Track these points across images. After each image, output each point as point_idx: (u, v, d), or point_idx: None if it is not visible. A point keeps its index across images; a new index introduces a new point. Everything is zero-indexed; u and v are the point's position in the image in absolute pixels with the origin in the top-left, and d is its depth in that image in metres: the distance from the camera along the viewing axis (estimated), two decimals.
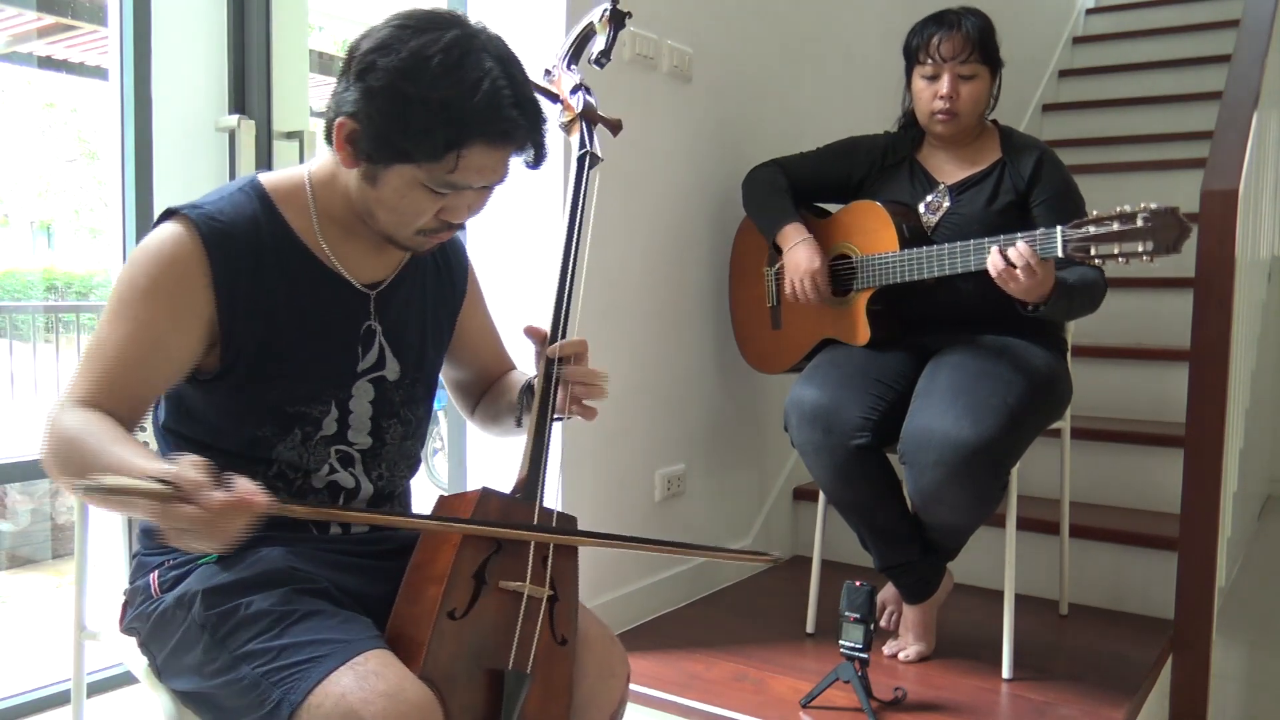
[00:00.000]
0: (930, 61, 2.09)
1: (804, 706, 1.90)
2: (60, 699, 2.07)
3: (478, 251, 2.19)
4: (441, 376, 1.52)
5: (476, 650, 1.16)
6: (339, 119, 1.16)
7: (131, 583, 1.31)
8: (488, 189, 1.21)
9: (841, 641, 1.85)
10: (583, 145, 1.38)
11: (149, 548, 1.30)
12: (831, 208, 2.30)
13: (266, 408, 1.23)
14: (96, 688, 2.08)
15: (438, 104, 1.11)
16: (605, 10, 1.46)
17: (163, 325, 1.16)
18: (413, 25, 1.14)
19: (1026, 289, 1.82)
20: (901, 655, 2.13)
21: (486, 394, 1.51)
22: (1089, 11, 5.27)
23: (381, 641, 1.12)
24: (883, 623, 2.26)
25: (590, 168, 1.36)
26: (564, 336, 1.31)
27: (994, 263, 1.83)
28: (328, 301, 1.26)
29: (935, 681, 2.03)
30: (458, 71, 1.11)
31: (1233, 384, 2.23)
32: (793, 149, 2.39)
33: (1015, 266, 1.79)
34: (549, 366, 1.29)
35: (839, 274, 2.18)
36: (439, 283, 1.40)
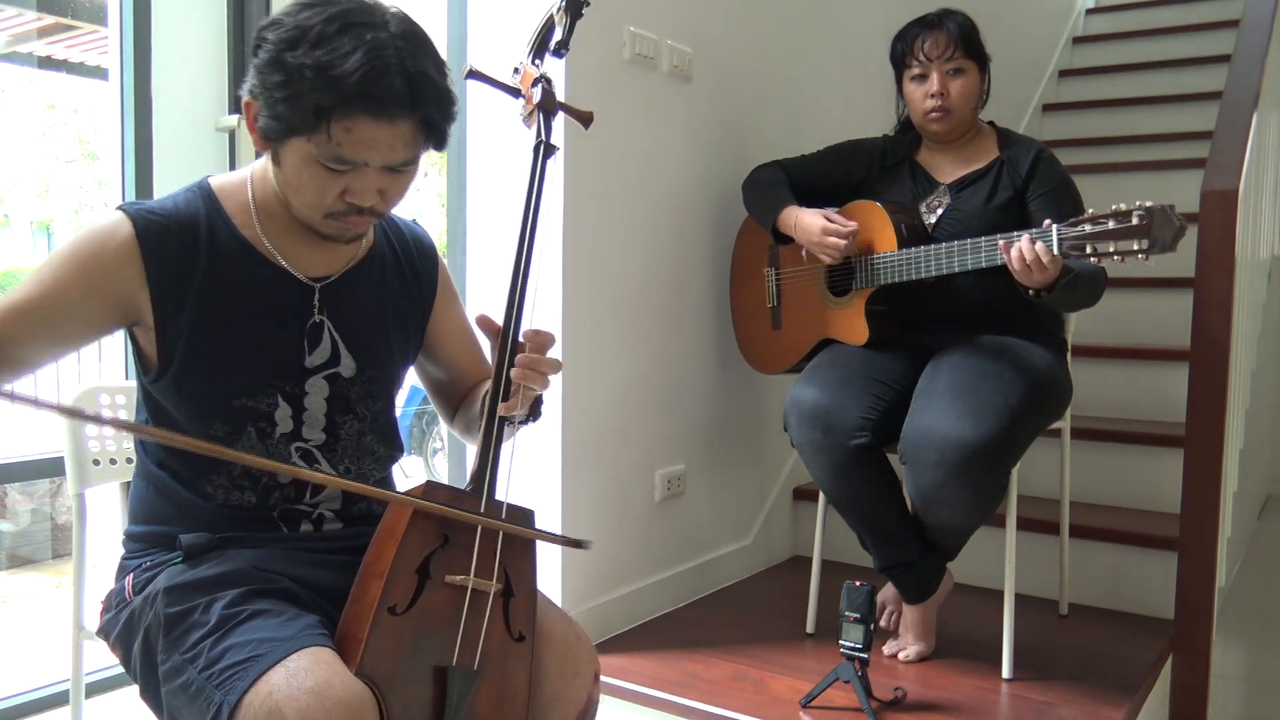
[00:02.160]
0: (917, 63, 2.10)
1: (804, 706, 1.90)
2: (60, 699, 2.07)
3: (473, 256, 2.19)
4: (420, 380, 1.51)
5: (420, 646, 1.13)
6: (245, 101, 1.18)
7: (113, 587, 1.31)
8: (394, 171, 1.18)
9: (841, 641, 1.85)
10: (539, 136, 1.36)
11: (131, 551, 1.30)
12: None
13: (212, 402, 1.23)
14: (96, 688, 2.08)
15: (311, 71, 1.09)
16: (562, 1, 1.46)
17: (70, 291, 1.18)
18: (310, 2, 1.14)
19: (1037, 281, 1.82)
20: (901, 655, 2.13)
21: (464, 399, 1.49)
22: (1089, 11, 5.27)
23: (322, 639, 1.11)
24: (883, 623, 2.26)
25: (546, 158, 1.34)
26: (518, 327, 1.27)
27: (1013, 256, 1.82)
28: (268, 294, 1.26)
29: (935, 681, 2.03)
30: (337, 39, 1.10)
31: (1233, 384, 2.23)
32: (793, 149, 2.39)
33: (1025, 260, 1.79)
34: (501, 357, 1.25)
35: (838, 274, 2.18)
36: (401, 280, 1.38)
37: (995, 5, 4.19)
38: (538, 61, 1.45)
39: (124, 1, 2.09)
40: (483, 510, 1.21)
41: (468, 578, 1.17)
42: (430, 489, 1.19)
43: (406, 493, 1.20)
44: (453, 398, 1.50)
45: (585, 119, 1.48)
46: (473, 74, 1.46)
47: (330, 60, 1.09)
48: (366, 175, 1.16)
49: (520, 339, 1.25)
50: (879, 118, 2.44)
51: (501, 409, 1.23)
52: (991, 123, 2.22)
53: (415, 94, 1.13)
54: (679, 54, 2.34)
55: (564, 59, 1.48)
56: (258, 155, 1.26)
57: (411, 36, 1.15)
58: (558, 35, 1.46)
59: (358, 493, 1.29)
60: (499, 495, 1.24)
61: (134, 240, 1.19)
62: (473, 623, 1.17)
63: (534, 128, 1.37)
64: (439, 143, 1.19)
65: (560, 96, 2.03)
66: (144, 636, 1.18)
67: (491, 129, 2.09)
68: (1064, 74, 4.88)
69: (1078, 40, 5.09)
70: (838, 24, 3.01)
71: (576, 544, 1.27)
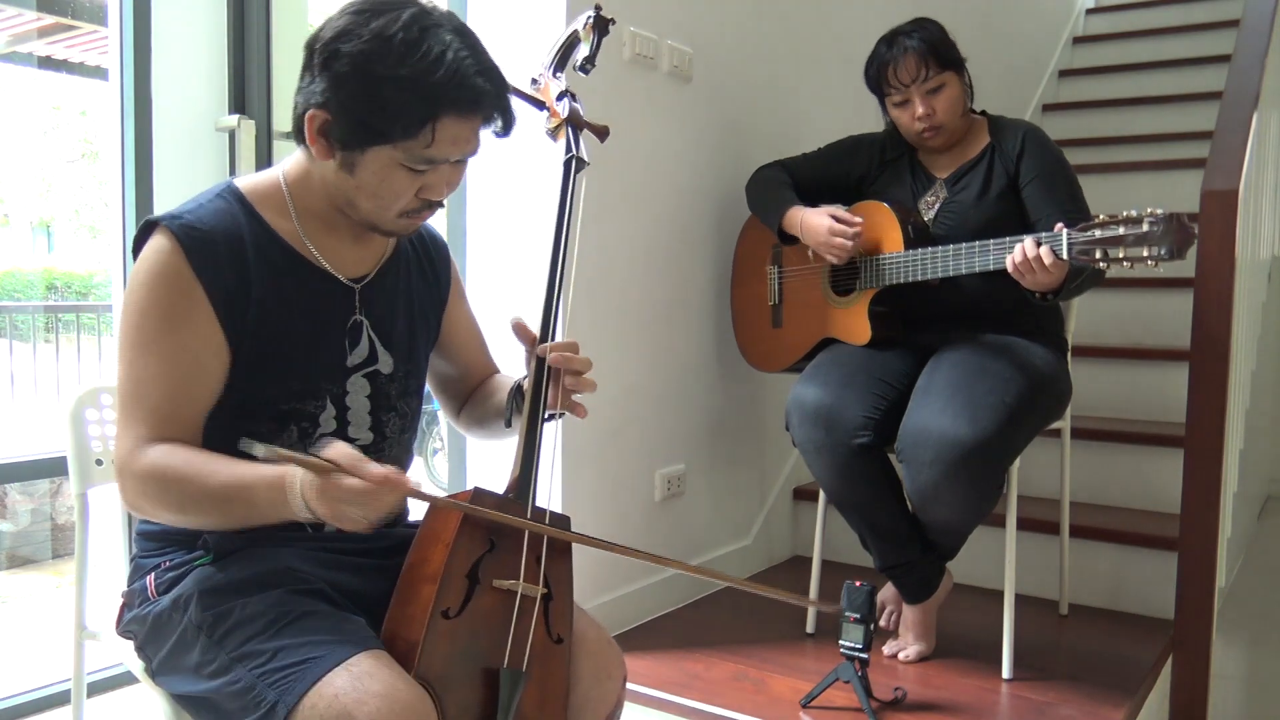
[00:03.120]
0: (895, 90, 2.09)
1: (804, 706, 1.90)
2: (60, 699, 2.07)
3: (473, 255, 2.19)
4: (427, 376, 1.51)
5: (471, 649, 1.15)
6: (309, 112, 1.18)
7: (129, 585, 1.31)
8: (462, 163, 1.23)
9: (841, 641, 1.85)
10: (568, 150, 1.38)
11: (146, 550, 1.30)
12: None
13: (263, 405, 1.24)
14: (96, 688, 2.07)
15: (408, 80, 1.12)
16: (589, 17, 1.47)
17: (191, 345, 1.18)
18: (369, 9, 1.16)
19: (1042, 283, 1.82)
20: (901, 655, 2.13)
21: (473, 395, 1.50)
22: (1089, 11, 5.27)
23: (376, 642, 1.12)
24: (883, 623, 2.26)
25: (576, 172, 1.37)
26: (554, 337, 1.31)
27: (1013, 258, 1.82)
28: (315, 296, 1.27)
29: (935, 681, 2.03)
30: (421, 46, 1.13)
31: (1233, 384, 2.23)
32: (793, 149, 2.39)
33: (1030, 262, 1.79)
34: (540, 365, 1.28)
35: (842, 274, 2.19)
36: (422, 277, 1.41)
37: (995, 5, 4.19)
38: (559, 75, 1.47)
39: (124, 1, 2.09)
40: (528, 517, 1.23)
41: (517, 582, 1.19)
42: (477, 496, 1.20)
43: (455, 497, 1.22)
44: (460, 394, 1.52)
45: (601, 132, 1.49)
46: None
47: (426, 68, 1.12)
48: (442, 171, 1.21)
49: (549, 373, 1.29)
50: (878, 117, 2.44)
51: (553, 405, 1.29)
52: (983, 111, 2.21)
53: (495, 87, 1.18)
54: (679, 54, 2.34)
55: (589, 74, 1.49)
56: (296, 141, 1.26)
57: (466, 31, 1.20)
58: (584, 51, 1.47)
59: (429, 501, 1.31)
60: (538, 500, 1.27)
61: (184, 259, 1.17)
62: (521, 626, 1.19)
63: (561, 141, 1.39)
64: (508, 128, 1.23)
65: None
66: (179, 639, 1.18)
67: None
68: (1064, 74, 4.88)
69: (1078, 40, 5.09)
70: (837, 24, 3.01)
71: (828, 608, 1.33)
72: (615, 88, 2.18)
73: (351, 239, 1.29)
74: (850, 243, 2.05)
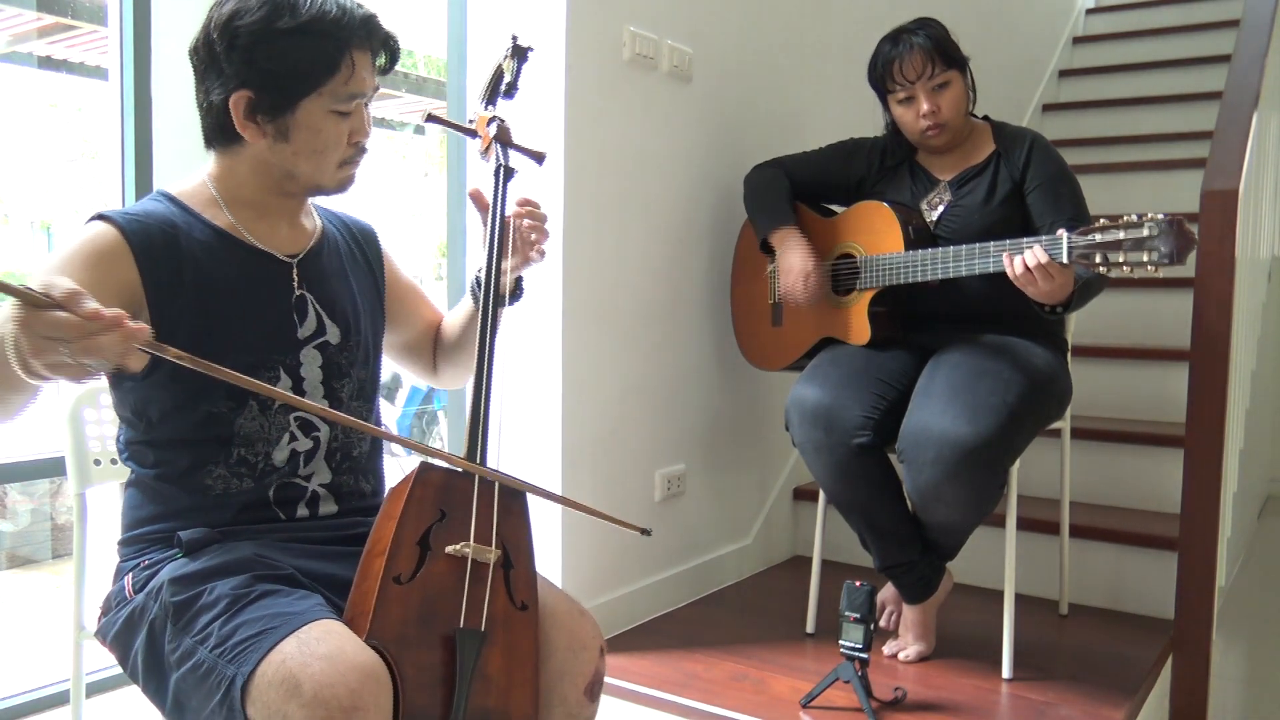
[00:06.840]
0: (900, 87, 2.09)
1: (804, 706, 1.90)
2: (60, 699, 2.07)
3: (472, 256, 2.19)
4: (393, 354, 1.57)
5: (427, 613, 1.17)
6: (231, 98, 1.24)
7: (110, 590, 1.32)
8: (369, 102, 1.32)
9: (841, 641, 1.85)
10: (498, 161, 1.48)
11: (125, 556, 1.32)
12: (835, 208, 2.31)
13: (217, 383, 1.24)
14: (96, 688, 2.07)
15: (310, 24, 1.21)
16: (508, 49, 1.56)
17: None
18: None
19: (1047, 292, 1.82)
20: (901, 655, 2.13)
21: (439, 344, 1.57)
22: (1089, 11, 5.27)
23: (333, 614, 1.14)
24: (883, 623, 2.26)
25: (506, 180, 1.45)
26: (492, 341, 1.33)
27: (1011, 268, 1.82)
28: (254, 274, 1.32)
29: (935, 681, 2.03)
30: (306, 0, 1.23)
31: (1233, 384, 2.23)
32: (792, 149, 2.39)
33: (1032, 271, 1.79)
34: (481, 361, 1.31)
35: (842, 274, 2.18)
36: (354, 259, 1.47)
37: (995, 5, 4.19)
38: (490, 107, 1.56)
39: (124, 1, 2.09)
40: (478, 477, 1.25)
41: (467, 544, 1.21)
42: (423, 469, 1.23)
43: (403, 479, 1.23)
44: (427, 350, 1.58)
45: (538, 157, 1.56)
46: (431, 118, 1.56)
47: (320, 12, 1.22)
48: (360, 111, 1.30)
49: (494, 358, 1.32)
50: (878, 117, 2.44)
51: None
52: (986, 117, 2.21)
53: (376, 19, 1.29)
54: (679, 54, 2.34)
55: (513, 99, 1.58)
56: (208, 147, 1.33)
57: None
58: (507, 78, 1.56)
59: (347, 425, 1.32)
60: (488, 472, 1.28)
61: (122, 239, 1.23)
62: (476, 590, 1.20)
63: (491, 159, 1.49)
64: (392, 63, 1.34)
65: (560, 97, 2.05)
66: (149, 629, 1.20)
67: None
68: (1064, 74, 4.88)
69: (1078, 40, 5.09)
70: (838, 24, 3.01)
71: (642, 530, 1.39)
72: (615, 88, 2.18)
73: (286, 222, 1.36)
74: (804, 297, 2.13)
